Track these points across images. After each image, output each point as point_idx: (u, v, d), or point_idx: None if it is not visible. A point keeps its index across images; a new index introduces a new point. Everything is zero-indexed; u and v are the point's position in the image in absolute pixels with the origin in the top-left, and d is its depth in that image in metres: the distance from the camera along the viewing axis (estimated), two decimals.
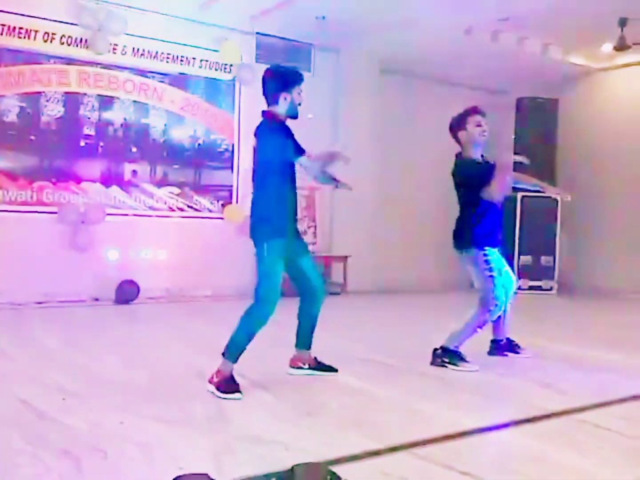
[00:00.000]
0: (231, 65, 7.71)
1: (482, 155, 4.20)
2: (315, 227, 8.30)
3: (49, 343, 4.68)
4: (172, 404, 3.13)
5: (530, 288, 8.73)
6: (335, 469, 1.67)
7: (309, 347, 3.71)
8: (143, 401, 3.17)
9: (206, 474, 1.59)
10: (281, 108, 3.45)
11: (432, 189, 8.74)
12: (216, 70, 7.66)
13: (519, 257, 8.77)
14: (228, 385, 3.27)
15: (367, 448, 2.52)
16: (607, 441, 2.76)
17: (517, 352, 4.41)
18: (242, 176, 7.82)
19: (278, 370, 3.77)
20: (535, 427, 2.96)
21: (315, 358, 3.74)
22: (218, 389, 3.26)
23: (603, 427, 2.92)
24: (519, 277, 8.80)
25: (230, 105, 7.79)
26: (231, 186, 7.82)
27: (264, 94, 3.51)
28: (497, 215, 4.16)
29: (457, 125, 4.20)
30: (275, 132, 3.41)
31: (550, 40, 8.18)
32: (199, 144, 7.63)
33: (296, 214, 3.58)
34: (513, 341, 4.45)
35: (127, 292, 6.75)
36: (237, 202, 7.83)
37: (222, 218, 7.70)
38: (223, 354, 3.37)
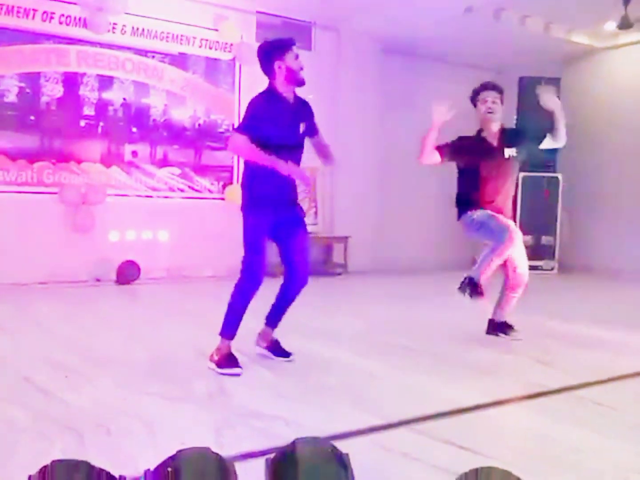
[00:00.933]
0: (231, 44, 7.66)
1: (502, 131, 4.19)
2: (316, 208, 8.30)
3: (51, 322, 4.71)
4: (173, 381, 3.16)
5: (531, 268, 8.70)
6: (336, 443, 1.68)
7: (273, 326, 3.65)
8: (145, 378, 3.19)
9: (208, 448, 1.60)
10: (279, 78, 3.37)
11: (433, 169, 8.72)
12: (216, 49, 7.61)
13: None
14: (227, 361, 3.30)
15: (368, 423, 2.55)
16: (607, 417, 2.79)
17: (507, 334, 4.36)
18: None
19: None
20: (535, 403, 2.99)
21: (275, 340, 3.67)
22: (218, 365, 3.30)
23: (602, 403, 2.95)
24: None
25: (231, 85, 7.75)
26: (232, 166, 7.80)
27: (262, 71, 3.46)
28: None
29: (471, 102, 4.24)
30: (251, 104, 3.37)
31: (553, 19, 8.10)
32: (199, 124, 7.60)
33: (288, 187, 3.44)
34: (507, 323, 4.42)
35: (127, 273, 6.77)
36: (237, 182, 7.81)
37: (222, 199, 7.69)
38: (220, 333, 3.38)
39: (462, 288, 4.09)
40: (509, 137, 4.26)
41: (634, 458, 2.30)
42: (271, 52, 3.38)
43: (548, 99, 4.14)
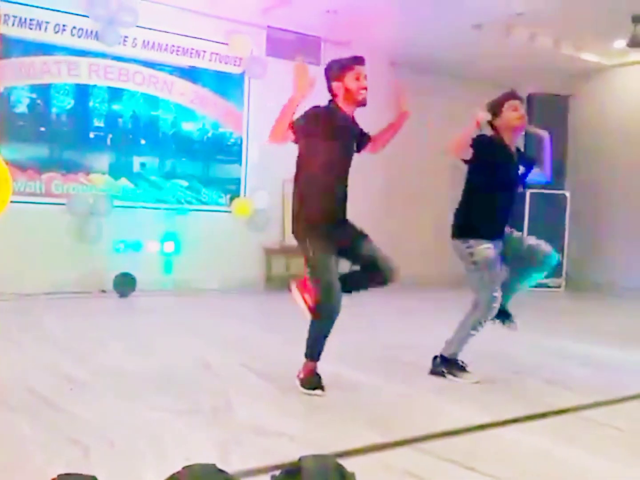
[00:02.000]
0: (241, 58, 7.71)
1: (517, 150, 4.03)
2: None
3: (57, 333, 4.71)
4: (178, 394, 3.15)
5: (538, 285, 8.69)
6: (341, 461, 1.68)
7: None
8: (150, 391, 3.19)
9: (213, 464, 1.60)
10: (339, 98, 3.31)
11: (439, 184, 8.74)
12: (226, 63, 7.66)
13: None
14: (311, 381, 3.25)
15: (373, 441, 2.53)
16: (612, 439, 2.76)
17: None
18: (250, 170, 7.83)
19: (285, 363, 3.78)
20: (541, 423, 2.96)
21: None
22: (301, 384, 3.27)
23: (608, 424, 2.93)
24: None
25: (240, 99, 7.79)
26: (239, 179, 7.83)
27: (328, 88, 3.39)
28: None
29: (494, 109, 3.95)
30: (310, 109, 3.27)
31: (562, 36, 8.13)
32: (208, 137, 7.64)
33: (337, 206, 3.37)
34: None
35: (124, 285, 6.74)
36: (245, 195, 7.83)
37: (229, 211, 7.70)
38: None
39: (435, 371, 3.79)
40: (520, 154, 4.16)
41: None
42: (329, 72, 3.35)
43: (538, 132, 4.10)
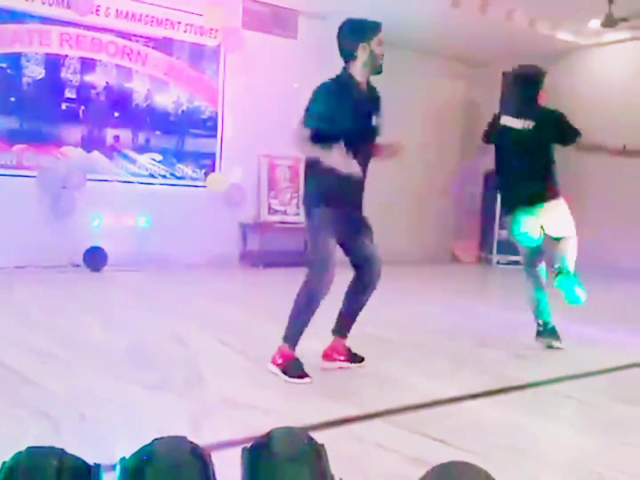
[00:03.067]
0: (217, 30, 7.59)
1: None
2: (298, 198, 8.28)
3: (29, 307, 4.67)
4: (150, 368, 3.15)
5: (509, 263, 8.83)
6: (312, 434, 1.69)
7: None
8: (122, 365, 3.18)
9: (184, 437, 1.60)
10: (359, 61, 3.09)
11: (415, 159, 8.76)
12: (201, 35, 7.54)
13: (498, 232, 8.84)
14: (295, 369, 3.07)
15: (344, 414, 2.56)
16: (580, 412, 2.84)
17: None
18: (225, 144, 7.76)
19: (259, 338, 3.79)
20: (510, 397, 3.02)
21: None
22: (284, 372, 3.06)
23: (576, 398, 3.00)
24: (499, 252, 8.92)
25: (215, 72, 7.68)
26: (214, 154, 7.75)
27: (340, 50, 3.16)
28: None
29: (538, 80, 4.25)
30: (319, 91, 3.06)
31: (538, 15, 8.13)
32: (183, 111, 7.53)
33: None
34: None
35: (95, 259, 6.68)
36: (220, 170, 7.77)
37: (204, 186, 7.64)
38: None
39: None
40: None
41: (605, 452, 2.34)
42: (359, 32, 3.11)
43: None
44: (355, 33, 3.12)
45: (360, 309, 3.35)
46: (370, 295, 3.32)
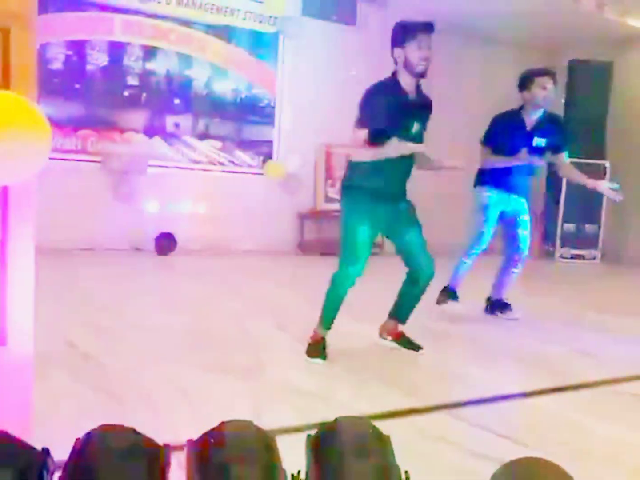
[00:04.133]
0: (276, 17, 7.59)
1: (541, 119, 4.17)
2: None
3: (94, 289, 4.79)
4: (213, 351, 3.19)
5: (574, 257, 8.58)
6: (376, 424, 1.67)
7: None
8: (185, 348, 3.23)
9: (251, 421, 1.60)
10: (399, 67, 3.11)
11: (473, 148, 8.56)
12: (260, 22, 7.55)
13: (562, 225, 8.59)
14: (314, 349, 3.18)
15: (406, 406, 2.53)
16: None
17: (504, 313, 4.46)
18: (283, 132, 7.77)
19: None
20: (575, 395, 2.93)
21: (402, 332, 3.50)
22: (306, 351, 3.19)
23: None
24: (562, 246, 8.66)
25: (274, 60, 7.69)
26: (272, 141, 7.78)
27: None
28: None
29: (520, 84, 4.21)
30: (364, 95, 3.07)
31: (606, 0, 7.81)
32: (241, 98, 7.58)
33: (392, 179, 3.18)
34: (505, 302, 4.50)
35: (164, 245, 6.83)
36: (277, 158, 7.79)
37: (261, 174, 7.68)
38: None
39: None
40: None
41: None
42: (396, 36, 3.12)
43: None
44: (393, 37, 3.14)
45: (413, 299, 3.39)
46: (421, 288, 3.33)
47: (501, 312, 4.46)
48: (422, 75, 3.10)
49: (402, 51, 3.07)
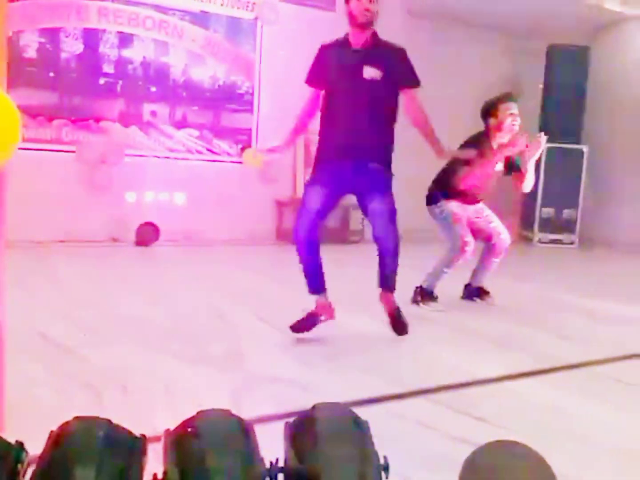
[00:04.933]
0: (254, 3, 7.51)
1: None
2: None
3: (69, 280, 4.74)
4: (190, 342, 3.16)
5: (551, 241, 8.65)
6: (354, 410, 1.67)
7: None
8: (162, 338, 3.20)
9: (228, 410, 1.59)
10: (348, 23, 3.32)
11: (456, 135, 8.58)
12: (238, 8, 7.46)
13: (541, 210, 8.65)
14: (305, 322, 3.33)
15: (385, 392, 2.53)
16: (625, 393, 2.76)
17: (483, 299, 4.51)
18: (262, 120, 7.72)
19: (298, 315, 3.77)
20: (553, 377, 2.96)
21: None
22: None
23: (621, 380, 2.92)
24: (541, 230, 8.73)
25: (252, 46, 7.62)
26: (250, 130, 7.72)
27: None
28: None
29: (486, 111, 4.27)
30: None
31: None
32: (219, 85, 7.50)
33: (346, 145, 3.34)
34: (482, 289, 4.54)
35: (147, 235, 6.77)
36: (256, 146, 7.73)
37: (240, 162, 7.62)
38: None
39: (415, 300, 4.28)
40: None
41: None
42: None
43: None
44: None
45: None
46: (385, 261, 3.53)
47: (480, 298, 4.48)
48: (365, 25, 3.24)
49: (347, 6, 3.26)
